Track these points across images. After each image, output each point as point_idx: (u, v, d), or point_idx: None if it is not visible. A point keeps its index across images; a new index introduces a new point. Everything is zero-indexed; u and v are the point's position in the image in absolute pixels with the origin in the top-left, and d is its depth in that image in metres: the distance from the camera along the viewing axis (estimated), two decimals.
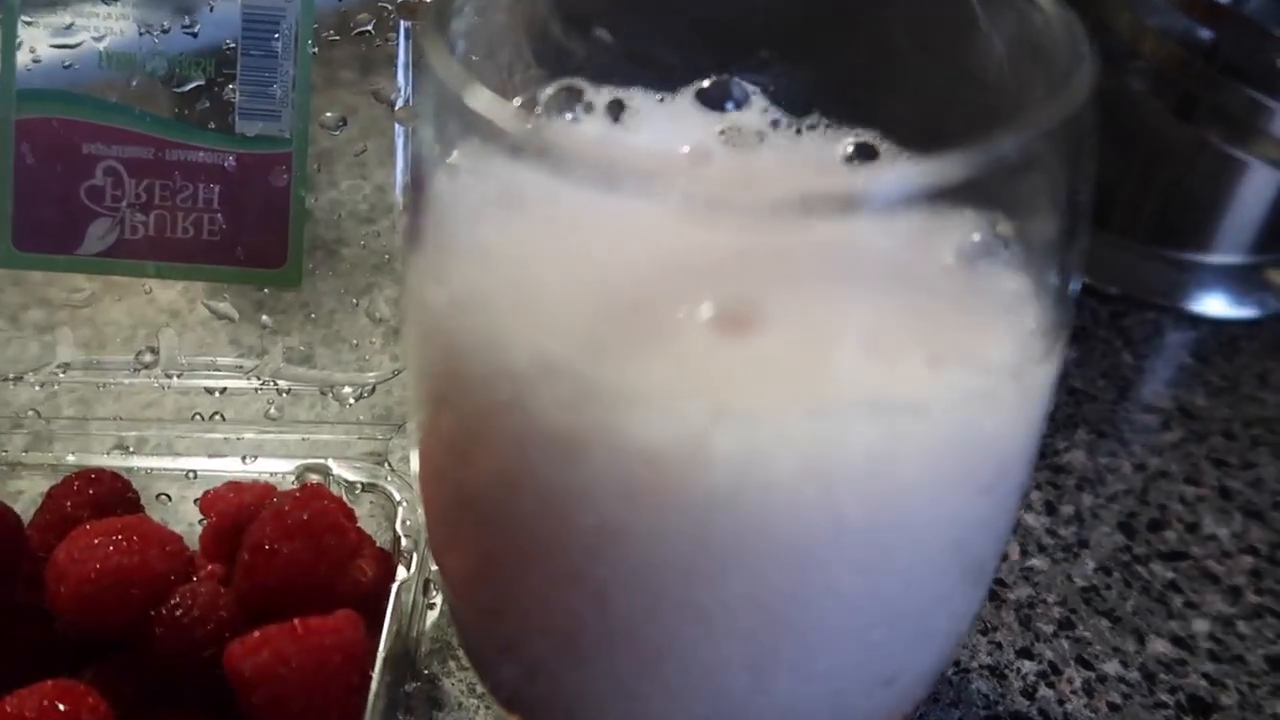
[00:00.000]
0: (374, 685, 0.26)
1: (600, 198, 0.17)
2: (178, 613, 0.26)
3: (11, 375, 0.34)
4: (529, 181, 0.19)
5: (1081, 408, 0.42)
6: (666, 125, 0.24)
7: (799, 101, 0.24)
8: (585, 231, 0.20)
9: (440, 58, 0.18)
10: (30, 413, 0.34)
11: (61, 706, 0.25)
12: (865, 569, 0.19)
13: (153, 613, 0.27)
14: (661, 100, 0.25)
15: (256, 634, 0.25)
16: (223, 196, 0.35)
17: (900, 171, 0.16)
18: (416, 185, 0.21)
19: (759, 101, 0.24)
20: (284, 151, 0.35)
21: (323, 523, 0.28)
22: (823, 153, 0.23)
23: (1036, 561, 0.36)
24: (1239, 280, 0.48)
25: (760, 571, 0.18)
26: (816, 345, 0.18)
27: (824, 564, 0.18)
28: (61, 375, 0.35)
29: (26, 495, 0.32)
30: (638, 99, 0.25)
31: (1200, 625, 0.34)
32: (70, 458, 0.33)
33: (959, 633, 0.23)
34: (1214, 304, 0.47)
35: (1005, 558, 0.36)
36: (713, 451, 0.17)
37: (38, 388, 0.34)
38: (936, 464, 0.18)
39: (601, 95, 0.25)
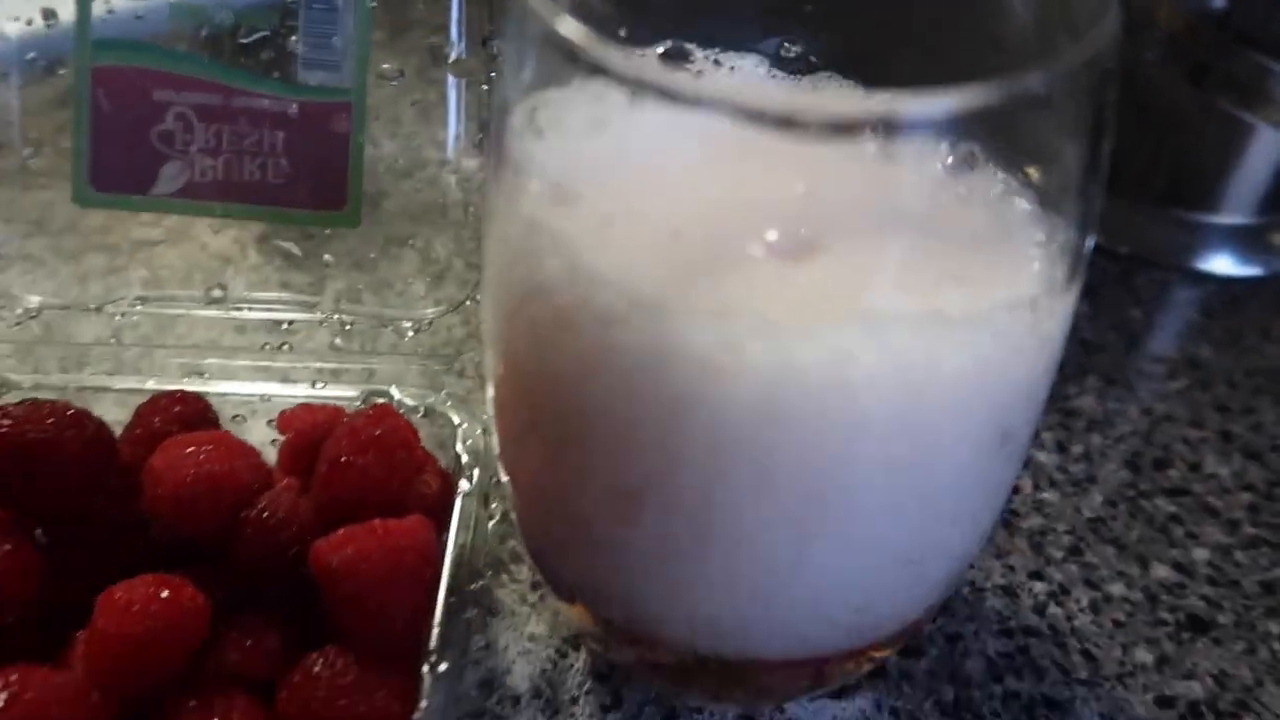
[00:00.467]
0: (444, 582, 0.28)
1: (675, 123, 0.19)
2: (264, 515, 0.29)
3: (92, 306, 0.37)
4: (611, 109, 0.21)
5: (1092, 357, 0.44)
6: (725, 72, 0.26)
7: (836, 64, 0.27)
8: (658, 160, 0.22)
9: None
10: (111, 340, 0.36)
11: (164, 594, 0.27)
12: (889, 459, 0.21)
13: (241, 516, 0.29)
14: (712, 56, 0.27)
15: (341, 532, 0.28)
16: (286, 142, 0.37)
17: (937, 97, 0.18)
18: (499, 119, 0.23)
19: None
20: (344, 101, 0.37)
21: (393, 439, 0.30)
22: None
23: (1048, 495, 0.38)
24: (1245, 240, 0.50)
25: (798, 458, 0.20)
26: (854, 270, 0.21)
27: (851, 453, 0.21)
28: (138, 307, 0.37)
29: (107, 418, 0.34)
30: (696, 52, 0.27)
31: (1199, 553, 0.36)
32: (149, 384, 0.35)
33: (971, 534, 0.26)
34: (1220, 263, 0.49)
35: (1018, 491, 0.38)
36: (750, 359, 0.19)
37: (118, 317, 0.37)
38: (953, 374, 0.21)
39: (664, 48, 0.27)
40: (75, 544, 0.29)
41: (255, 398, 0.35)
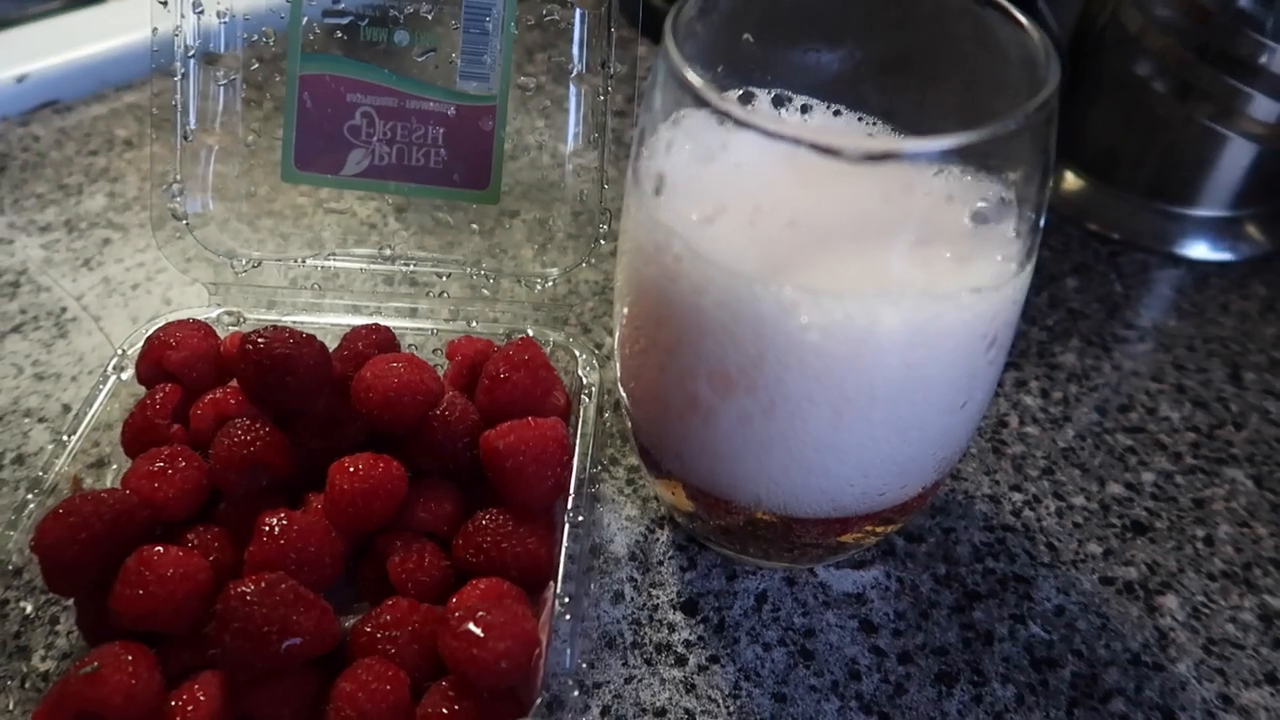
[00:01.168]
0: (575, 463, 0.39)
1: (757, 149, 0.30)
2: (445, 413, 0.40)
3: (295, 259, 0.48)
4: (714, 138, 0.31)
5: (1077, 323, 0.54)
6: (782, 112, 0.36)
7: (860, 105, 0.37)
8: (743, 175, 0.32)
9: (671, 45, 0.30)
10: (312, 285, 0.48)
11: (379, 464, 0.38)
12: (904, 364, 0.31)
13: (429, 414, 0.40)
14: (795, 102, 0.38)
15: (505, 424, 0.39)
16: (445, 136, 0.48)
17: (937, 138, 0.28)
18: (638, 138, 0.34)
19: (848, 114, 0.37)
20: (490, 105, 0.48)
21: (535, 362, 0.41)
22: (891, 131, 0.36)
23: (1030, 429, 0.49)
24: (1219, 230, 0.59)
25: (839, 372, 0.31)
26: (872, 253, 0.31)
27: (876, 363, 0.31)
28: (330, 261, 0.48)
29: None
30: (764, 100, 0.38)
31: (1147, 476, 0.47)
32: (346, 318, 0.46)
33: (959, 424, 0.36)
34: (1197, 249, 0.59)
35: (1006, 424, 0.49)
36: (804, 318, 0.30)
37: (317, 267, 0.48)
38: (946, 329, 0.31)
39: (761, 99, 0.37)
40: (307, 431, 0.41)
41: (427, 330, 0.46)
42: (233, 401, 0.41)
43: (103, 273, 0.55)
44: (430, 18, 0.47)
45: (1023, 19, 0.31)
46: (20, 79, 0.67)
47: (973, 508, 0.45)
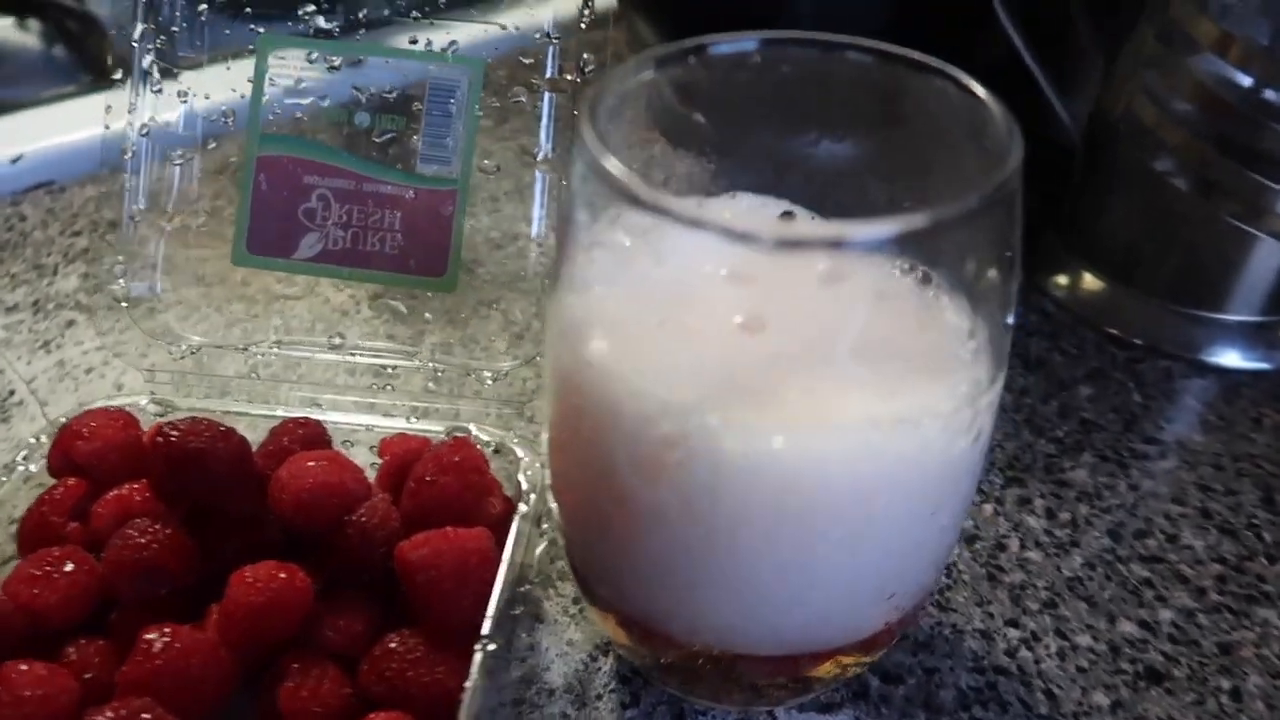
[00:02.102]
0: (499, 583, 0.35)
1: (689, 250, 0.26)
2: (363, 520, 0.36)
3: (239, 346, 0.45)
4: (634, 236, 0.28)
5: (1090, 435, 0.49)
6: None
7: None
8: (670, 275, 0.29)
9: (588, 130, 0.27)
10: (252, 375, 0.45)
11: (281, 575, 0.35)
12: (844, 517, 0.27)
13: (345, 519, 0.37)
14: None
15: (420, 535, 0.35)
16: (403, 220, 0.46)
17: (881, 223, 0.24)
18: (560, 234, 0.31)
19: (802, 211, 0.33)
20: (451, 189, 0.45)
21: (468, 464, 0.37)
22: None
23: (1032, 554, 0.43)
24: (1251, 336, 0.54)
25: (778, 515, 0.27)
26: (814, 371, 0.27)
27: (819, 506, 0.27)
28: (275, 350, 0.46)
29: (250, 436, 0.43)
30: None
31: (1165, 614, 0.41)
32: (279, 411, 0.43)
33: (907, 570, 0.31)
34: (1227, 356, 0.54)
35: (1004, 548, 0.43)
36: (729, 440, 0.26)
37: (259, 356, 0.45)
38: (891, 469, 0.27)
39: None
40: (218, 533, 0.37)
41: (361, 427, 0.42)
42: (139, 498, 0.38)
43: (60, 355, 0.53)
44: (393, 98, 0.45)
45: (978, 90, 0.28)
46: (15, 159, 0.67)
47: (961, 644, 0.40)
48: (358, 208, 0.46)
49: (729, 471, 0.26)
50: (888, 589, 0.30)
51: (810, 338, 0.27)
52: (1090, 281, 0.57)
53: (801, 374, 0.26)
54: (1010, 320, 0.28)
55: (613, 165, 0.26)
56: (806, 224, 0.31)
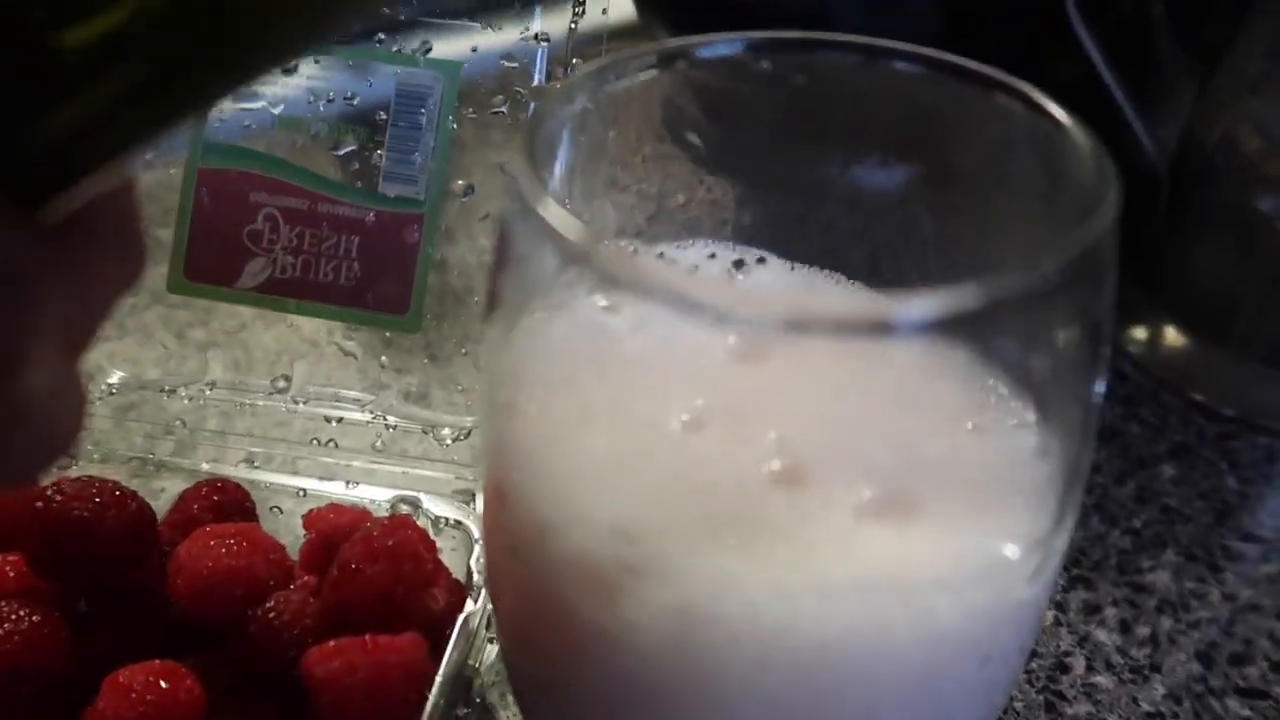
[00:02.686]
0: (429, 704, 0.28)
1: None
2: (270, 615, 0.30)
3: (168, 387, 0.39)
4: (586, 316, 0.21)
5: (1174, 528, 0.41)
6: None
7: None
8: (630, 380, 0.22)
9: (524, 163, 0.21)
10: (178, 422, 0.39)
11: (163, 684, 0.28)
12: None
13: (250, 612, 0.30)
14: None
15: (331, 643, 0.28)
16: (361, 247, 0.39)
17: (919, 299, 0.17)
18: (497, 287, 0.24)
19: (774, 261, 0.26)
20: (417, 212, 0.39)
21: (404, 550, 0.31)
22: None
23: (1102, 679, 0.35)
24: None
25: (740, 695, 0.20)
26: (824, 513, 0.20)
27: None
28: (209, 392, 0.39)
29: (167, 493, 0.36)
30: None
31: None
32: (205, 465, 0.37)
33: None
34: None
35: (1067, 670, 0.35)
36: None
37: (187, 400, 0.39)
38: (912, 641, 0.19)
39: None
40: (103, 620, 0.31)
41: (296, 491, 0.36)
42: (12, 574, 0.32)
43: None
44: (354, 106, 0.39)
45: (1055, 111, 0.20)
46: None
47: None
48: (310, 231, 0.39)
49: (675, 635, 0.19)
50: None
51: (814, 453, 0.20)
52: (1174, 338, 0.49)
53: (812, 519, 0.19)
54: (1092, 432, 0.20)
55: (552, 212, 0.19)
56: (809, 297, 0.24)
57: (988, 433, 0.20)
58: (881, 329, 0.17)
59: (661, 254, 0.27)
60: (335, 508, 0.34)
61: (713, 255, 0.27)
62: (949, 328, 0.17)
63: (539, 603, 0.22)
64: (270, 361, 0.40)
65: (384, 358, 0.39)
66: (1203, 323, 0.48)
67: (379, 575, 0.30)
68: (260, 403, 0.39)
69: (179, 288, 0.40)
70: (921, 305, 0.16)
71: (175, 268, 0.40)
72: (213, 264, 0.40)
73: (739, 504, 0.20)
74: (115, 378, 0.39)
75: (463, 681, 0.30)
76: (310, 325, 0.40)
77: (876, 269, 0.26)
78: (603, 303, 0.23)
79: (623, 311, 0.22)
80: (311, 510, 0.34)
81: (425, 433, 0.38)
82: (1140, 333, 0.50)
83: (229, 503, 0.34)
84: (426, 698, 0.29)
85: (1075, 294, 0.17)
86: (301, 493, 0.36)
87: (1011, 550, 0.20)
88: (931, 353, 0.20)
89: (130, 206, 0.18)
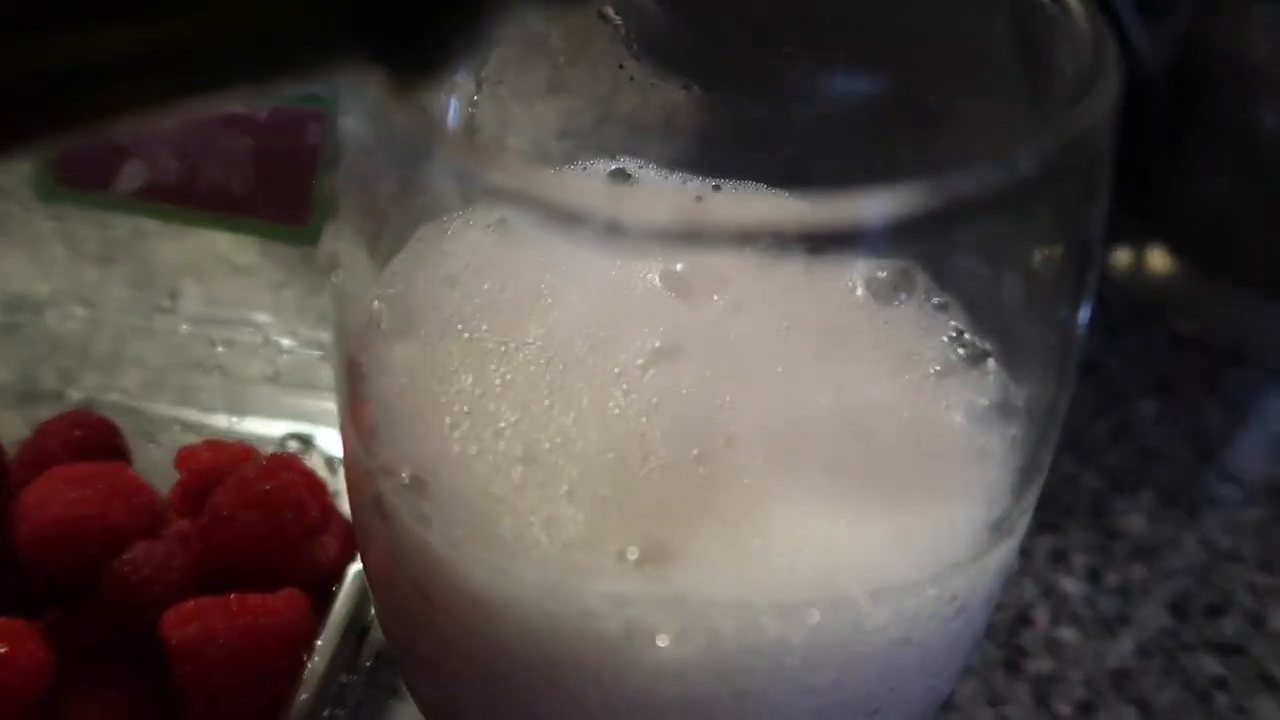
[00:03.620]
0: (307, 669, 0.25)
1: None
2: (127, 568, 0.26)
3: (32, 309, 0.35)
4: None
5: (1152, 469, 0.38)
6: None
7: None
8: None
9: None
10: (59, 346, 0.34)
11: (1, 647, 0.25)
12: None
13: (106, 566, 0.26)
14: None
15: (191, 604, 0.25)
16: (253, 150, 0.34)
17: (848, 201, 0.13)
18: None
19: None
20: (318, 109, 0.34)
21: (284, 496, 0.27)
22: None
23: (1066, 633, 0.32)
24: None
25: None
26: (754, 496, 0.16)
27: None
28: (79, 311, 0.35)
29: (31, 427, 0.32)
30: None
31: None
32: (75, 394, 0.33)
33: None
34: None
35: (1030, 623, 0.33)
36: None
37: (54, 324, 0.35)
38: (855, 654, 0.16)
39: None
40: None
41: (177, 423, 0.32)
42: None
43: None
44: None
45: None
46: None
47: None
48: (194, 129, 0.34)
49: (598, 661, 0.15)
50: None
51: (731, 408, 0.16)
52: (1162, 264, 0.45)
53: (740, 504, 0.15)
54: (1070, 376, 0.16)
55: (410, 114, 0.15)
56: (714, 203, 0.20)
57: (946, 378, 0.16)
58: (808, 241, 0.13)
59: (585, 168, 0.23)
60: (211, 445, 0.30)
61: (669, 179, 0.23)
62: (895, 240, 0.13)
63: (406, 566, 0.18)
64: (154, 279, 0.35)
65: (279, 275, 0.34)
66: (1195, 248, 0.44)
67: (254, 524, 0.27)
68: (142, 324, 0.35)
69: (48, 195, 0.35)
70: (852, 209, 0.12)
71: (43, 171, 0.35)
72: (84, 166, 0.35)
73: (643, 473, 0.16)
74: None
75: (353, 641, 0.27)
76: (202, 238, 0.36)
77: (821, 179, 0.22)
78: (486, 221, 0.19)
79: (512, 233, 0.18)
80: (182, 449, 0.29)
81: (324, 359, 0.33)
82: (1124, 257, 0.46)
83: (91, 438, 0.30)
84: (305, 663, 0.25)
85: (1058, 198, 0.13)
86: (182, 426, 0.32)
87: (973, 514, 0.17)
88: (875, 280, 0.16)
89: None
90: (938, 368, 0.16)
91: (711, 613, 0.15)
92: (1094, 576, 0.34)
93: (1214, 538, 0.35)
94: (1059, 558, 0.35)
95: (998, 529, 0.16)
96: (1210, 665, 0.32)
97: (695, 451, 0.16)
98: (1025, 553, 0.35)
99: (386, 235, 0.18)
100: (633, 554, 0.15)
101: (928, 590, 0.16)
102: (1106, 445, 0.38)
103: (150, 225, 0.35)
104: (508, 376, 0.17)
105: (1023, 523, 0.17)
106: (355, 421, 0.19)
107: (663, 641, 0.15)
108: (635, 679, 0.16)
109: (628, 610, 0.15)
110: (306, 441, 0.31)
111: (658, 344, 0.17)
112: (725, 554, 0.16)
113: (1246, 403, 0.41)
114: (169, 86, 0.11)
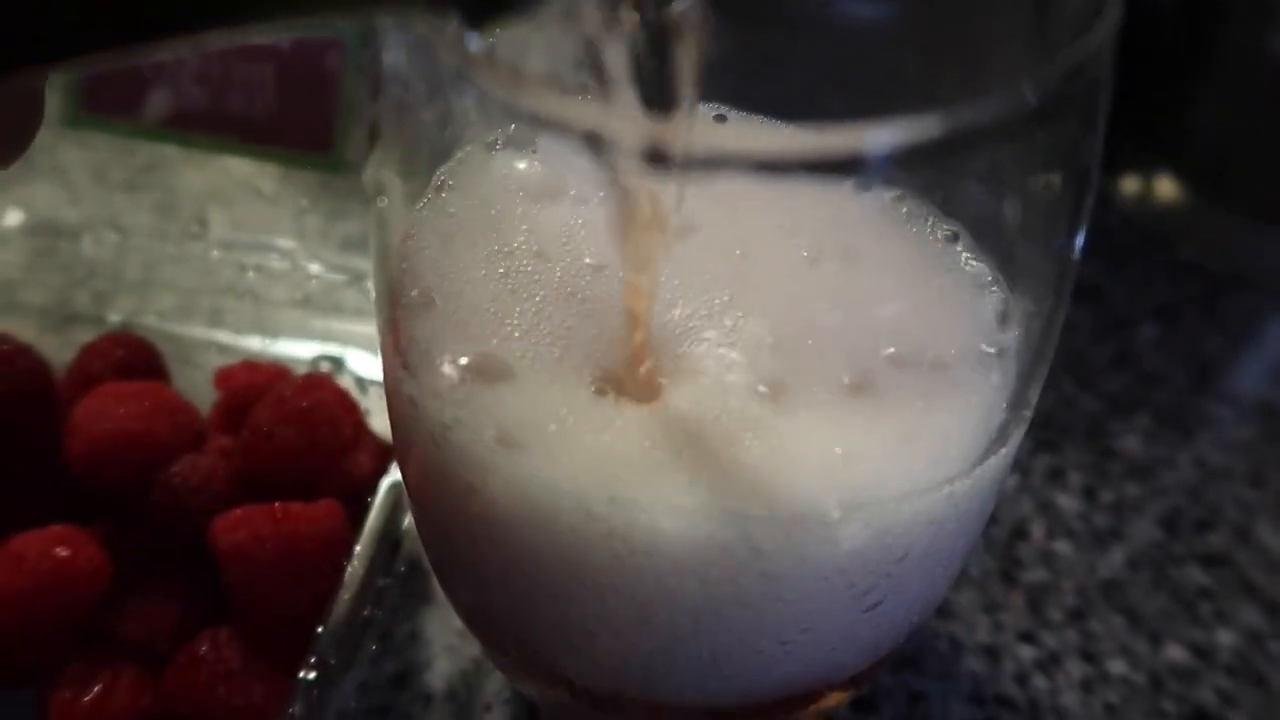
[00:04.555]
0: (347, 573, 0.27)
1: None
2: (175, 480, 0.28)
3: (69, 232, 0.36)
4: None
5: (1151, 391, 0.39)
6: None
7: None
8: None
9: None
10: (93, 270, 0.36)
11: (62, 551, 0.26)
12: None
13: (155, 478, 0.28)
14: None
15: (238, 511, 0.26)
16: (276, 77, 0.35)
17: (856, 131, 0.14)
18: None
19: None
20: (337, 38, 0.35)
21: (320, 414, 0.28)
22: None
23: (1060, 546, 0.34)
24: None
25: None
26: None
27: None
28: (114, 237, 0.36)
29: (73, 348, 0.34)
30: None
31: (1225, 638, 0.32)
32: (116, 318, 0.34)
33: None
34: None
35: (1025, 536, 0.34)
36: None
37: (89, 249, 0.36)
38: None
39: None
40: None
41: (214, 345, 0.33)
42: None
43: None
44: None
45: None
46: None
47: (959, 664, 0.31)
48: (219, 57, 0.35)
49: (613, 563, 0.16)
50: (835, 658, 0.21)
51: (739, 325, 0.17)
52: (1167, 189, 0.46)
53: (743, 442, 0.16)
54: (1066, 296, 0.17)
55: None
56: (725, 130, 0.21)
57: (948, 296, 0.17)
58: (825, 166, 0.14)
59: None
60: (248, 365, 0.31)
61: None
62: (905, 168, 0.14)
63: (433, 470, 0.20)
64: (182, 204, 0.36)
65: (304, 200, 0.35)
66: (1202, 176, 0.44)
67: (292, 439, 0.28)
68: (172, 250, 0.36)
69: (75, 120, 0.36)
70: (865, 139, 0.13)
71: (71, 98, 0.36)
72: (112, 93, 0.36)
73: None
74: (10, 222, 0.36)
75: (387, 549, 0.28)
76: (231, 165, 0.37)
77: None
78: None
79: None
80: (220, 369, 0.31)
81: (352, 283, 0.35)
82: (1132, 185, 0.46)
83: (134, 359, 0.31)
84: (345, 567, 0.27)
85: (1059, 126, 0.14)
86: (218, 348, 0.33)
87: (968, 427, 0.18)
88: (885, 207, 0.17)
89: None
90: (943, 287, 0.17)
91: (727, 520, 0.17)
92: (1089, 494, 0.36)
93: (1206, 456, 0.37)
94: (1056, 476, 0.36)
95: (996, 438, 0.17)
96: (1197, 576, 0.33)
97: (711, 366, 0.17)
98: (1024, 471, 0.36)
99: (424, 162, 0.19)
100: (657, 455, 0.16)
101: (929, 495, 0.17)
102: (1107, 369, 0.40)
103: (173, 152, 0.36)
104: (543, 283, 0.18)
105: (1017, 434, 0.19)
106: (395, 340, 0.20)
107: (683, 543, 0.17)
108: (651, 579, 0.17)
109: (641, 517, 0.16)
110: (338, 363, 0.32)
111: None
112: (738, 465, 0.17)
113: (1246, 326, 0.42)
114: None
